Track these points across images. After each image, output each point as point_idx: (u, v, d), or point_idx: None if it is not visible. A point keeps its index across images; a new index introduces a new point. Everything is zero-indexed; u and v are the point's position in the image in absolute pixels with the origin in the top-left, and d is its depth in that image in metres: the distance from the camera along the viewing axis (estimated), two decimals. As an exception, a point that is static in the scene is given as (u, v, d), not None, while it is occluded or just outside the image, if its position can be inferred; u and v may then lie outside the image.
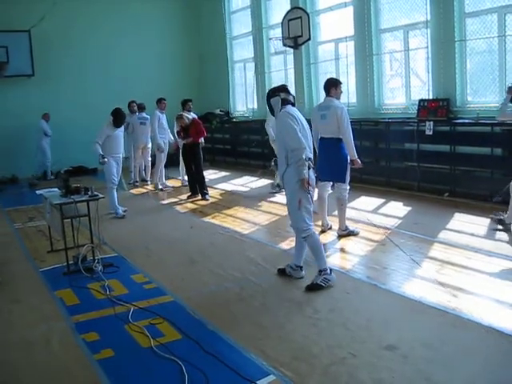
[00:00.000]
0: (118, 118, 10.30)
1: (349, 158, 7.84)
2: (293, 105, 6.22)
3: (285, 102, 6.13)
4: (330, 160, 7.82)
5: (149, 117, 14.29)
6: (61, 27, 17.16)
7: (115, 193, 10.45)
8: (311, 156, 6.10)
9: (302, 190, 5.97)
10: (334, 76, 13.87)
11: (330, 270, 6.14)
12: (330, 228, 8.49)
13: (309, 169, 5.96)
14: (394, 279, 6.32)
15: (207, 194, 12.12)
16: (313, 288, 6.01)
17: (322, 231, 8.33)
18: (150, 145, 14.48)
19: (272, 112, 6.29)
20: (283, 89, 6.28)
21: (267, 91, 6.46)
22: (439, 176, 10.44)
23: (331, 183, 8.18)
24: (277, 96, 6.15)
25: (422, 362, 4.35)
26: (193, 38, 19.63)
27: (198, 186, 12.12)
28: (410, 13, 11.58)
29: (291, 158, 5.96)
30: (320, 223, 8.36)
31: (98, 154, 9.93)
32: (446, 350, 4.53)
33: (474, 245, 7.31)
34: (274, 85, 15.95)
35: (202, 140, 12.51)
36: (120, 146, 10.53)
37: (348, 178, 7.95)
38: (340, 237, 8.07)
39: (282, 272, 6.64)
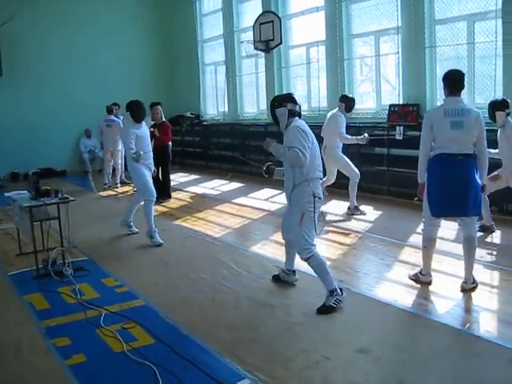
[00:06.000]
0: (134, 109, 8.60)
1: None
2: (299, 115, 5.83)
3: (291, 114, 5.73)
4: (466, 187, 5.68)
5: (115, 119, 14.27)
6: (31, 28, 16.88)
7: (152, 208, 8.66)
8: (321, 175, 5.82)
9: (308, 207, 5.58)
10: (305, 80, 14.00)
11: (341, 289, 5.66)
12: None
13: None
14: (365, 282, 6.37)
15: (169, 199, 12.10)
16: (325, 311, 5.52)
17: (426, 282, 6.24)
18: (119, 147, 14.36)
19: (277, 123, 5.86)
20: (290, 98, 5.85)
21: (272, 100, 6.00)
22: (409, 180, 10.46)
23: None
24: (283, 107, 5.73)
25: (395, 364, 4.39)
26: (164, 41, 19.51)
27: (162, 188, 11.94)
28: (380, 19, 11.72)
29: (299, 176, 5.59)
30: (420, 271, 6.29)
31: (132, 153, 8.34)
32: (418, 352, 4.59)
33: (444, 248, 7.39)
34: (245, 88, 16.31)
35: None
36: (149, 150, 8.80)
37: None
38: (466, 290, 5.94)
39: (276, 278, 6.50)
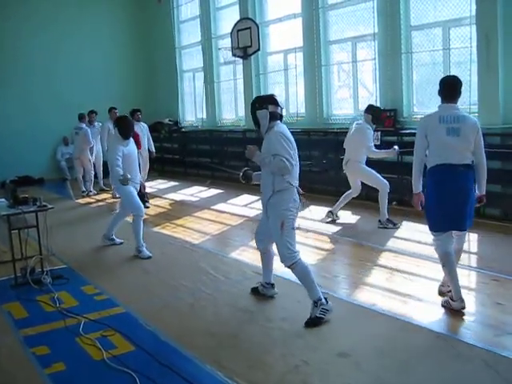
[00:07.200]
0: (122, 126, 8.22)
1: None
2: (281, 118, 5.64)
3: (273, 117, 5.52)
4: (466, 200, 5.43)
5: (83, 127, 14.32)
6: (4, 31, 16.91)
7: (141, 224, 8.34)
8: (297, 183, 5.60)
9: (287, 215, 5.46)
10: (283, 86, 14.05)
11: (326, 298, 5.49)
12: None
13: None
14: (344, 287, 6.41)
15: (147, 201, 12.04)
16: (312, 323, 5.35)
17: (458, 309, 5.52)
18: (88, 156, 14.37)
19: (257, 125, 5.64)
20: (272, 100, 5.63)
21: (253, 101, 5.76)
22: (387, 185, 10.59)
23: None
24: (264, 109, 5.50)
25: (374, 367, 4.42)
26: (142, 47, 19.44)
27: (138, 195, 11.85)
28: (357, 25, 11.83)
29: (279, 183, 5.45)
30: (450, 297, 5.59)
31: (119, 175, 7.88)
32: (398, 355, 4.62)
33: (422, 252, 7.46)
34: (224, 95, 16.33)
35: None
36: (136, 168, 8.46)
37: None
38: (443, 293, 5.84)
39: (255, 291, 6.34)
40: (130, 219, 8.56)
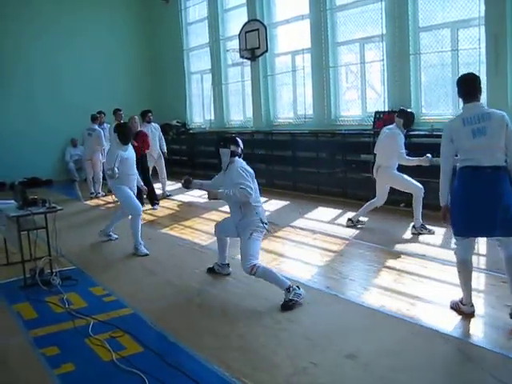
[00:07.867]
0: (122, 132, 8.63)
1: None
2: (240, 156, 6.58)
3: (233, 155, 6.49)
4: (495, 204, 5.03)
5: (96, 128, 14.40)
6: (7, 32, 17.00)
7: (140, 223, 8.56)
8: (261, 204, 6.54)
9: (256, 228, 6.26)
10: (291, 88, 14.05)
11: (298, 286, 5.95)
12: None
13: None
14: (352, 289, 6.40)
15: (157, 203, 12.28)
16: (287, 305, 5.79)
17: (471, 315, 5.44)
18: (100, 157, 14.41)
19: (219, 160, 6.60)
20: (234, 141, 6.60)
21: (218, 139, 6.75)
22: (395, 187, 10.57)
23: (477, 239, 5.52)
24: (227, 148, 6.49)
25: (382, 369, 4.42)
26: (150, 49, 19.54)
27: (148, 196, 12.00)
28: (365, 26, 11.83)
29: (245, 208, 6.30)
30: (460, 300, 5.54)
31: (112, 171, 8.29)
32: (406, 357, 4.61)
33: (430, 254, 7.46)
34: (231, 96, 16.36)
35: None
36: (133, 171, 8.83)
37: None
38: None
39: (211, 270, 7.23)
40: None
